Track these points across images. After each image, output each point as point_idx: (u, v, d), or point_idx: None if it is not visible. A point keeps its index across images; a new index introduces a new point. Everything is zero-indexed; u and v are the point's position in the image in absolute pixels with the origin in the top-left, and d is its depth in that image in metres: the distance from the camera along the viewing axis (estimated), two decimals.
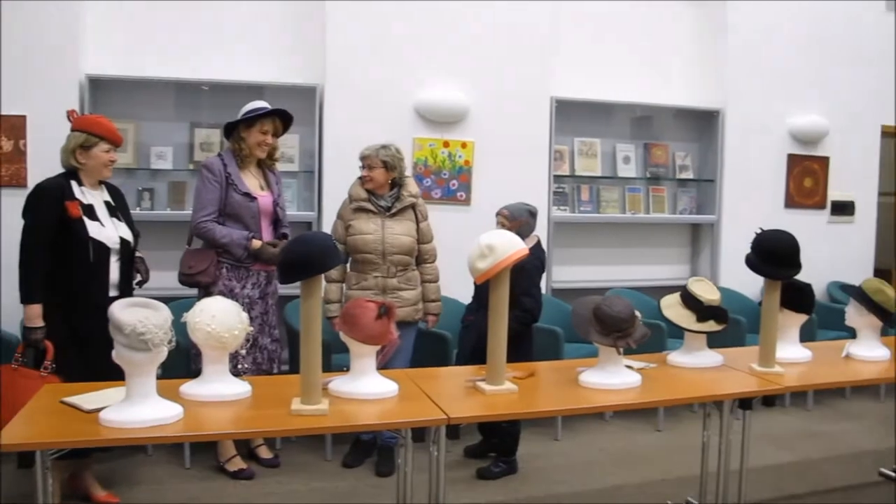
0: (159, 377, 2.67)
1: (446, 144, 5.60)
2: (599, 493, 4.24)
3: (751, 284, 5.58)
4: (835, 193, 6.86)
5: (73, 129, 3.67)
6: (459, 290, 4.63)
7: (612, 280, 6.22)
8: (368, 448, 4.53)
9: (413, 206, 4.40)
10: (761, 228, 3.56)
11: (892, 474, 4.51)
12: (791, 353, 3.70)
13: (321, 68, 5.38)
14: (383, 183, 4.32)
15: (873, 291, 3.83)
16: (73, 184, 3.61)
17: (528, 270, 4.05)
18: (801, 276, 3.60)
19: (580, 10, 6.14)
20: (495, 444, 4.52)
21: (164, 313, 2.57)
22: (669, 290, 3.81)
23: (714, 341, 3.70)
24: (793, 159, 6.68)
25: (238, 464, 4.26)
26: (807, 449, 4.99)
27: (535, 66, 5.80)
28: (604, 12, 6.26)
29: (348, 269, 4.39)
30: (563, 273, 6.14)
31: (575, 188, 6.23)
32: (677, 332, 3.75)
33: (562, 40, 6.00)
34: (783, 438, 5.15)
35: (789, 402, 5.90)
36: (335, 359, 4.34)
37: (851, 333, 4.00)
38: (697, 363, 3.57)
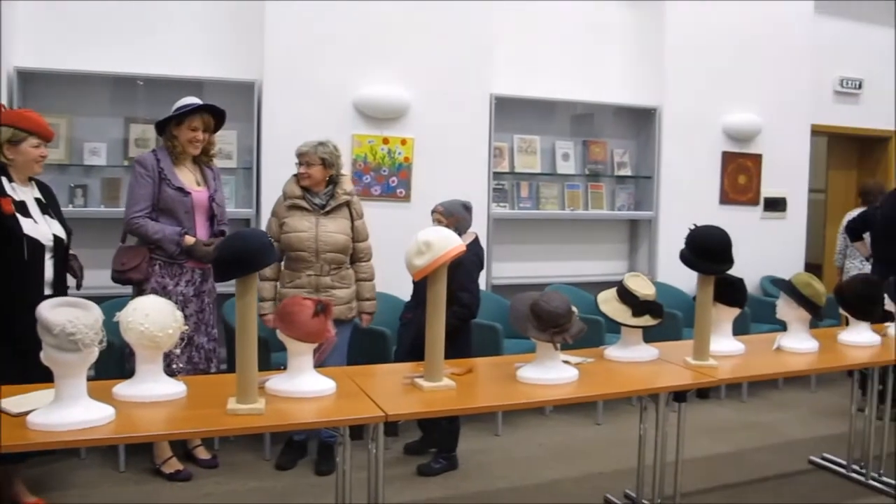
0: (92, 378, 2.61)
1: (386, 141, 5.58)
2: (539, 488, 4.28)
3: (687, 279, 5.63)
4: (767, 190, 7.03)
5: None
6: (399, 286, 4.62)
7: (551, 276, 6.27)
8: (302, 449, 4.51)
9: (348, 204, 4.35)
10: (695, 224, 3.62)
11: (822, 462, 4.65)
12: (724, 346, 3.76)
13: (259, 63, 5.32)
14: (321, 180, 4.28)
15: (803, 285, 3.92)
16: (3, 180, 3.51)
17: (465, 266, 4.07)
18: (736, 271, 3.67)
19: (520, 7, 6.19)
20: (435, 439, 4.53)
21: (94, 313, 2.50)
22: (608, 285, 3.85)
23: (652, 335, 3.75)
24: (727, 157, 6.82)
25: (174, 465, 4.19)
26: (742, 439, 5.10)
27: (474, 63, 5.82)
28: (543, 10, 6.32)
29: (282, 267, 4.34)
30: (503, 269, 6.18)
31: (514, 185, 6.27)
32: (615, 327, 3.79)
33: (502, 38, 6.02)
34: (720, 430, 5.27)
35: (725, 394, 6.02)
36: (274, 357, 4.30)
37: (784, 326, 4.09)
38: (633, 357, 3.61)
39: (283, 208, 4.30)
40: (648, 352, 3.67)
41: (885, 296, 4.18)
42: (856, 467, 4.47)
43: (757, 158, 6.94)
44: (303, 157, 4.25)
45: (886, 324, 4.29)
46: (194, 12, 5.35)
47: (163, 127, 4.14)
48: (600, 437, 5.14)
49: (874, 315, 4.14)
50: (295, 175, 4.33)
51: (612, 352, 3.68)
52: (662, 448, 3.58)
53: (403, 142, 5.62)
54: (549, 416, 5.47)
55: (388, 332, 4.71)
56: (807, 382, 6.37)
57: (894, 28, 7.93)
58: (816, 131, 7.38)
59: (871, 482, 4.34)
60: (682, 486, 3.62)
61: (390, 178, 5.60)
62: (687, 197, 6.55)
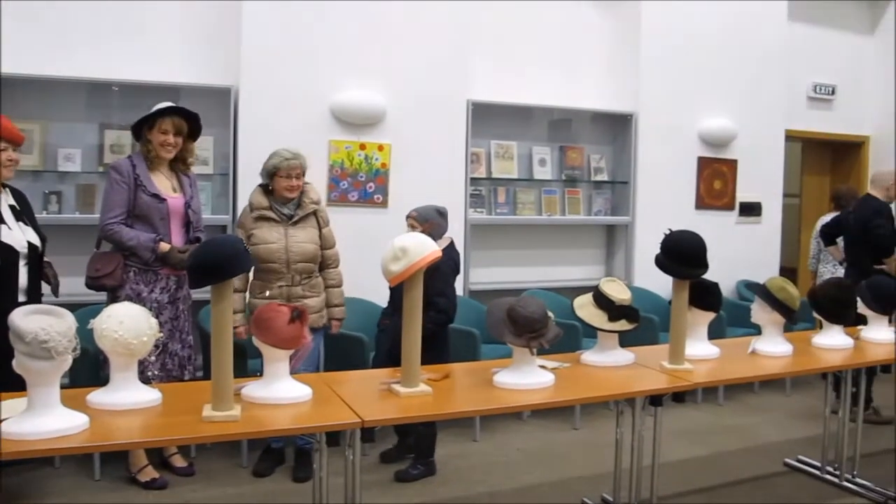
0: (66, 386, 2.59)
1: (363, 147, 5.57)
2: (517, 492, 4.28)
3: (664, 284, 5.65)
4: (743, 195, 7.09)
5: None
6: (376, 293, 4.62)
7: (528, 281, 6.29)
8: (279, 456, 4.49)
9: (314, 213, 4.35)
10: (670, 229, 3.64)
11: (797, 464, 4.69)
12: (699, 350, 3.79)
13: (236, 69, 5.30)
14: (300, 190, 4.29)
15: (776, 289, 3.96)
16: None
17: (442, 271, 4.08)
18: (711, 275, 3.69)
19: (497, 13, 6.21)
20: (411, 443, 4.52)
21: (67, 320, 2.48)
22: (585, 290, 3.86)
23: (628, 340, 3.78)
24: (703, 162, 6.87)
25: (150, 473, 4.16)
26: (718, 442, 5.13)
27: (452, 68, 5.82)
28: (520, 16, 6.34)
29: (251, 278, 4.31)
30: (480, 274, 6.19)
31: (491, 190, 6.28)
32: (592, 332, 3.80)
33: (479, 43, 6.04)
34: (696, 433, 5.29)
35: (701, 397, 6.06)
36: (251, 364, 4.28)
37: (759, 330, 4.12)
38: (609, 362, 3.63)
39: (250, 220, 4.27)
40: (625, 356, 3.69)
41: (858, 299, 4.24)
42: (830, 469, 4.51)
43: (732, 164, 7.00)
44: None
45: (859, 327, 4.35)
46: (170, 17, 5.32)
47: (139, 133, 4.12)
48: (577, 441, 5.15)
49: (847, 318, 4.19)
50: (261, 185, 4.32)
51: (589, 356, 3.70)
52: (639, 452, 3.59)
53: (380, 147, 5.61)
54: (527, 420, 5.48)
55: (365, 338, 4.69)
56: (782, 385, 6.42)
57: (867, 34, 8.05)
58: (791, 137, 7.46)
59: (846, 483, 4.39)
60: (658, 489, 3.63)
61: (367, 184, 5.59)
62: (663, 202, 6.59)
